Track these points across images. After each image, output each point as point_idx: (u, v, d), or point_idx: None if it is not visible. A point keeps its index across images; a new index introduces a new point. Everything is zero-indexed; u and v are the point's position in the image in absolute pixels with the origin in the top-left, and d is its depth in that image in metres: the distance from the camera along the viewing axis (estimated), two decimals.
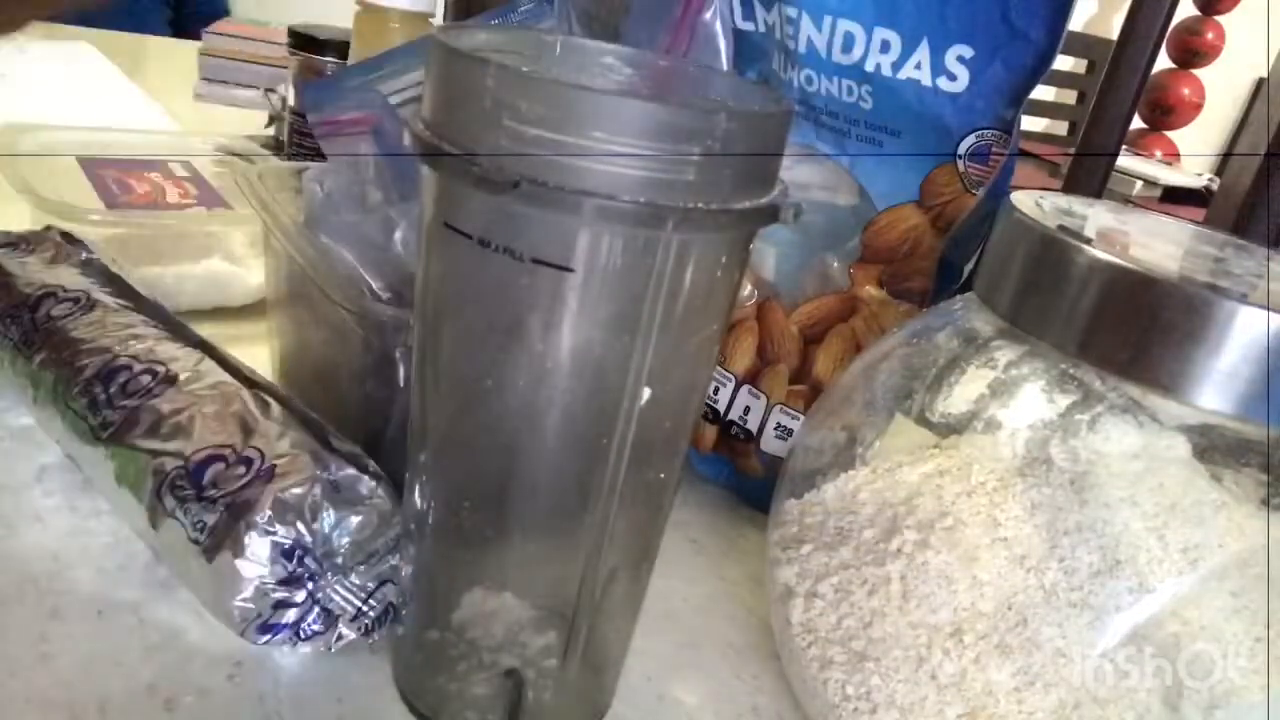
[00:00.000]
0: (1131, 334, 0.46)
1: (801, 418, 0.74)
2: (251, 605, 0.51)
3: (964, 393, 0.54)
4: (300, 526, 0.52)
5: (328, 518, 0.53)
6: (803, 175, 0.71)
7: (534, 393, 0.44)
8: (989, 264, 0.54)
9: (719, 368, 0.76)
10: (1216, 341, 0.44)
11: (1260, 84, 3.42)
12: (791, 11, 0.67)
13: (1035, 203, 0.54)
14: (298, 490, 0.53)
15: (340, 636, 0.54)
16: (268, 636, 0.52)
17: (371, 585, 0.54)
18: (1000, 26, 0.61)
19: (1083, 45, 2.99)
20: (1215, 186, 1.91)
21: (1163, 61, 3.40)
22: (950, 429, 0.55)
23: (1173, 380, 0.45)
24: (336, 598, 0.54)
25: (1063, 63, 2.73)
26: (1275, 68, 1.33)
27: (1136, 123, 3.24)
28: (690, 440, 0.51)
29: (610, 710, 0.57)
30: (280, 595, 0.52)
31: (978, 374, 0.54)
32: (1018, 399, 0.53)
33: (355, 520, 0.54)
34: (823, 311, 0.72)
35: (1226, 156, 3.72)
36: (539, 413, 0.44)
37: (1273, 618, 0.46)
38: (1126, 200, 2.17)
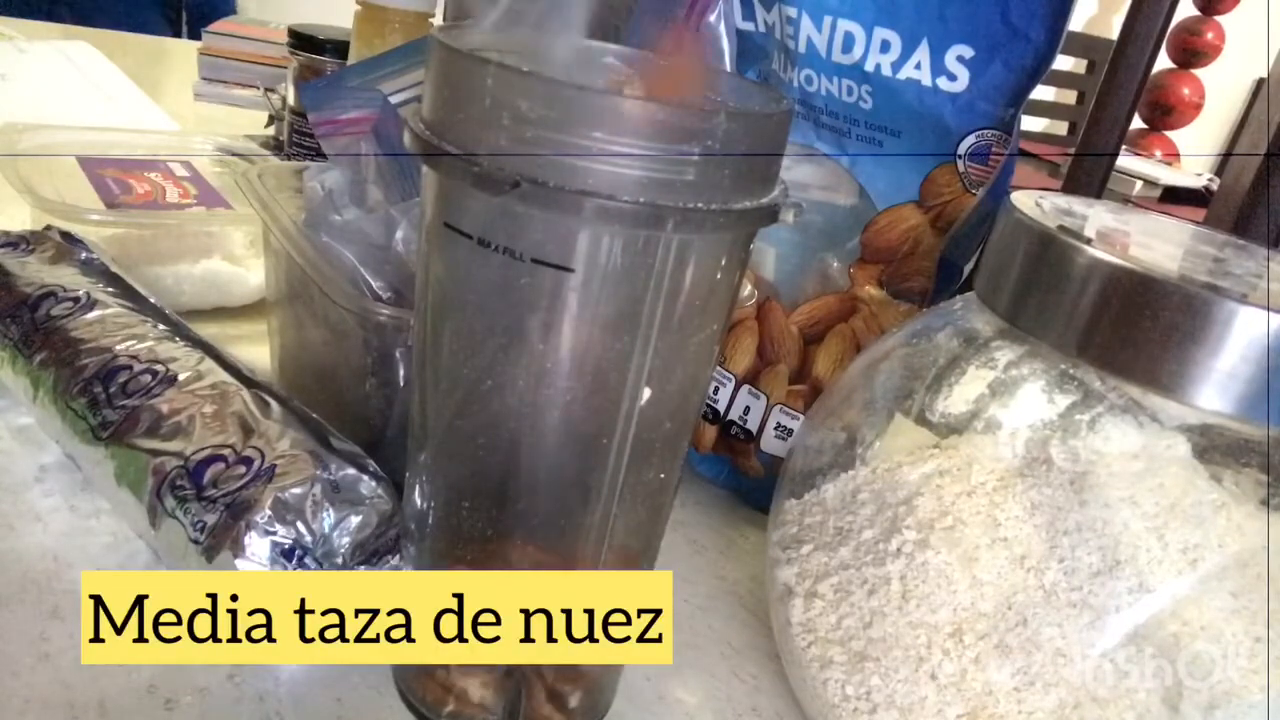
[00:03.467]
0: (1131, 334, 0.46)
1: (801, 418, 0.74)
2: None
3: (964, 393, 0.54)
4: (300, 526, 0.52)
5: (328, 518, 0.53)
6: (803, 175, 0.71)
7: (534, 393, 0.44)
8: (989, 264, 0.54)
9: (719, 368, 0.76)
10: (1216, 341, 0.44)
11: (1260, 84, 3.42)
12: (791, 11, 0.67)
13: (1035, 203, 0.54)
14: (298, 490, 0.53)
15: None
16: None
17: None
18: (1000, 26, 0.61)
19: (1082, 45, 2.99)
20: (1215, 186, 1.91)
21: (1163, 61, 3.40)
22: (950, 429, 0.55)
23: (1172, 380, 0.45)
24: None
25: (1062, 63, 2.74)
26: (1275, 68, 1.33)
27: (1136, 123, 3.24)
28: (690, 440, 0.51)
29: (610, 709, 0.57)
30: None
31: (978, 374, 0.54)
32: (1018, 399, 0.53)
33: (355, 520, 0.54)
34: (823, 311, 0.73)
35: (1226, 156, 3.72)
36: (539, 413, 0.44)
37: (1273, 618, 0.46)
38: (1126, 200, 2.17)
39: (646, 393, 0.43)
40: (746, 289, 0.75)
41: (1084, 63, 3.05)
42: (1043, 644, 0.47)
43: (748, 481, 0.79)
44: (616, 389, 0.43)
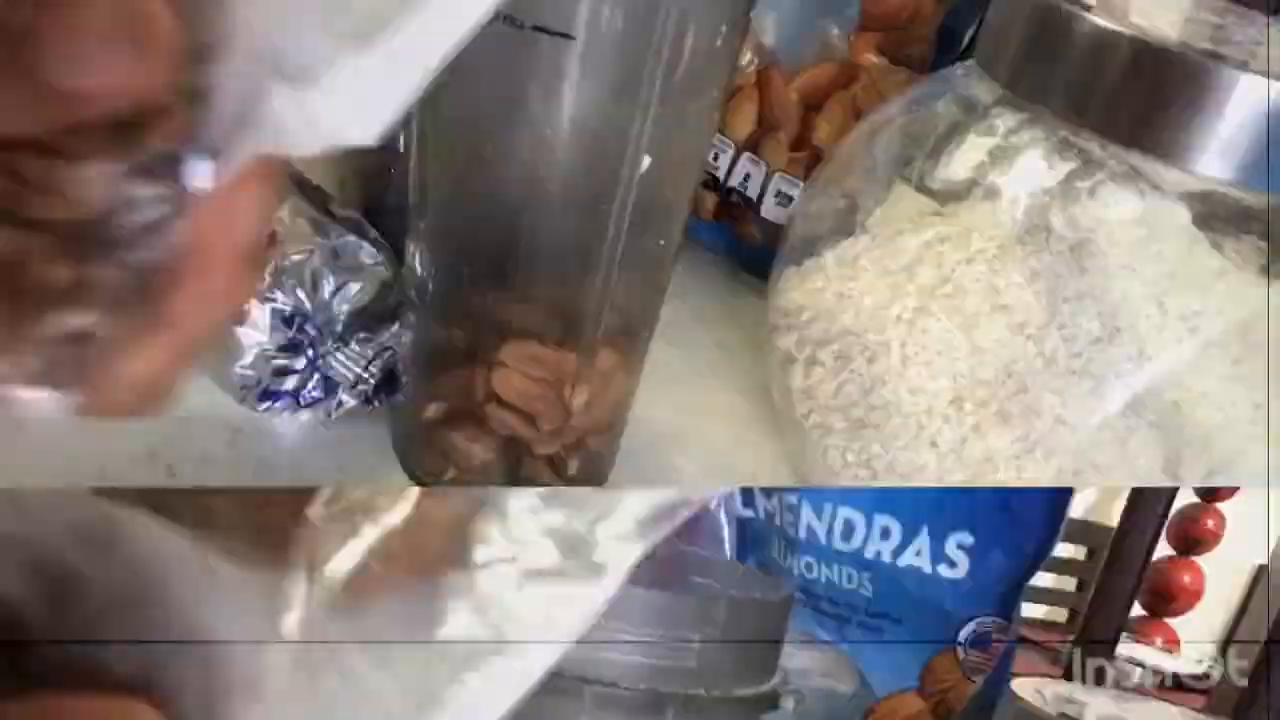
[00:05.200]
0: (1132, 101, 0.45)
1: (801, 185, 0.73)
2: (252, 372, 0.52)
3: (964, 160, 0.54)
4: (300, 294, 0.52)
5: (328, 285, 0.53)
6: (803, 662, 0.70)
7: (534, 161, 0.43)
8: (989, 31, 0.54)
9: (719, 134, 0.76)
10: (1217, 109, 0.44)
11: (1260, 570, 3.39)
12: (792, 498, 0.66)
13: None
14: (297, 257, 0.53)
15: (340, 404, 0.55)
16: (268, 404, 0.53)
17: (371, 353, 0.55)
18: (1000, 514, 0.61)
19: (1082, 532, 2.93)
20: (1217, 673, 1.97)
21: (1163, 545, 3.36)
22: (951, 196, 0.54)
23: (1173, 147, 0.45)
24: (336, 365, 0.54)
25: (1061, 549, 2.70)
26: (1276, 552, 1.37)
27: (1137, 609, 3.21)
28: (689, 209, 0.51)
29: (609, 480, 0.57)
30: (280, 362, 0.52)
31: (977, 141, 0.54)
32: (1017, 166, 0.52)
33: (355, 287, 0.54)
34: (823, 79, 0.72)
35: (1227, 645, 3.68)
36: (539, 181, 0.44)
37: (1271, 384, 0.46)
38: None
39: (646, 160, 0.43)
40: (746, 56, 0.74)
41: (1083, 549, 3.01)
42: (1043, 411, 0.47)
43: (747, 249, 0.79)
44: (616, 156, 0.43)
